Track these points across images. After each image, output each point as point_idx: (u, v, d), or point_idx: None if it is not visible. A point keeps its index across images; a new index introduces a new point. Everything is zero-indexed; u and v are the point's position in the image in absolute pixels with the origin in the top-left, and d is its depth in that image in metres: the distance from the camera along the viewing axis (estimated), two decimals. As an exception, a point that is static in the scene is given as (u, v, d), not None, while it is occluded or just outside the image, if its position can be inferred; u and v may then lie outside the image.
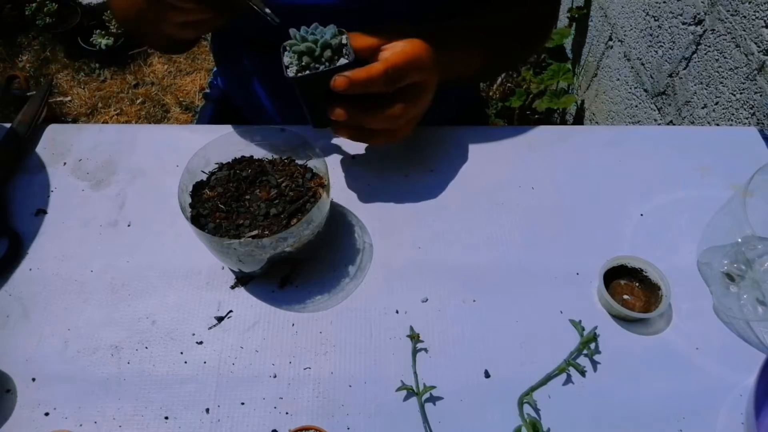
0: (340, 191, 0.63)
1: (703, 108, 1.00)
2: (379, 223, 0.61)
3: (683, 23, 1.04)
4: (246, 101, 0.84)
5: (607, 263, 0.55)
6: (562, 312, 0.55)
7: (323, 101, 0.54)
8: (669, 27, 1.09)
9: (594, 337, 0.52)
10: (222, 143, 0.58)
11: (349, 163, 0.66)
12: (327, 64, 0.53)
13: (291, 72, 0.53)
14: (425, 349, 0.53)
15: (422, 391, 0.50)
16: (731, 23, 0.90)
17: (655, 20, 1.14)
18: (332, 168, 0.63)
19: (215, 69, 0.96)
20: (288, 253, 0.53)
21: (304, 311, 0.55)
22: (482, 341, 0.53)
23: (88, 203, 0.63)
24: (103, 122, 1.91)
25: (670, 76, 1.10)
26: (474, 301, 0.56)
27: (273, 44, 0.72)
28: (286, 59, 0.54)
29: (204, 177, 0.58)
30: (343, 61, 0.53)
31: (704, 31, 0.98)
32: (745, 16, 0.86)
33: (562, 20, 1.69)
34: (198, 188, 0.56)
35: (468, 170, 0.65)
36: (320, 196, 0.53)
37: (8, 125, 0.68)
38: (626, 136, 0.69)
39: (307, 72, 0.53)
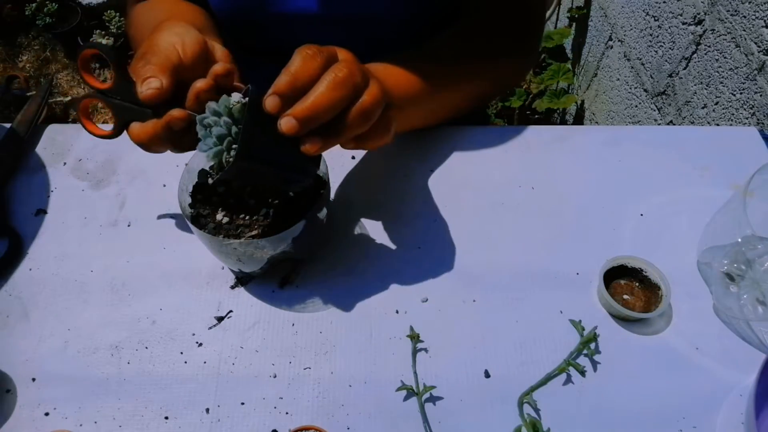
0: (340, 191, 0.63)
1: (703, 108, 1.00)
2: (379, 223, 0.61)
3: (683, 23, 1.04)
4: None
5: (607, 263, 0.55)
6: (562, 312, 0.55)
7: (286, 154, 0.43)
8: (669, 27, 1.09)
9: (594, 337, 0.52)
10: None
11: (349, 163, 0.66)
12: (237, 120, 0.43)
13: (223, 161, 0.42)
14: (425, 349, 0.53)
15: (422, 391, 0.50)
16: (731, 23, 0.90)
17: (655, 20, 1.14)
18: (332, 168, 0.63)
19: None
20: (288, 253, 0.53)
21: (304, 311, 0.55)
22: (482, 341, 0.53)
23: (88, 203, 0.63)
24: (103, 122, 1.91)
25: (670, 76, 1.10)
26: (474, 301, 0.56)
27: (279, 54, 0.72)
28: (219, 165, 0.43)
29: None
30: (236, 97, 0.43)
31: (704, 31, 0.98)
32: (745, 16, 0.86)
33: (562, 20, 1.69)
34: (198, 188, 0.56)
35: (468, 170, 0.65)
36: (320, 196, 0.53)
37: (8, 125, 0.68)
38: (626, 136, 0.69)
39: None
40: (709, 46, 0.97)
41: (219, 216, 0.53)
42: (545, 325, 0.54)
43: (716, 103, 0.96)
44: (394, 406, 0.50)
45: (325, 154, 0.49)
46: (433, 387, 0.50)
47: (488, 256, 0.59)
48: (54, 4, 1.96)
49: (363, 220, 0.61)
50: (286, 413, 0.49)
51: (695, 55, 1.01)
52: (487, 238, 0.60)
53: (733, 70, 0.90)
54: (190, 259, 0.58)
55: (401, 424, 0.49)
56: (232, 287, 0.57)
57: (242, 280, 0.57)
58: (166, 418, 0.49)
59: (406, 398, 0.50)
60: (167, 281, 0.57)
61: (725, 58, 0.92)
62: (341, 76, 0.42)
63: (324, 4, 0.63)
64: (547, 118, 1.70)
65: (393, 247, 0.59)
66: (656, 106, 1.17)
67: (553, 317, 0.55)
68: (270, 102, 0.41)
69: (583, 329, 0.53)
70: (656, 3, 1.13)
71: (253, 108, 0.41)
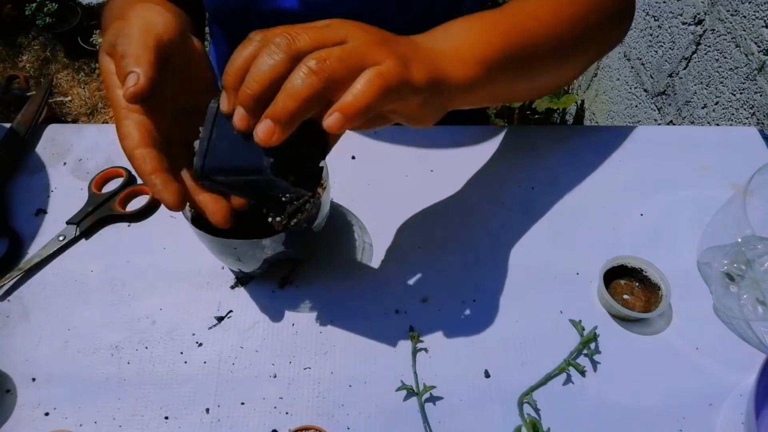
0: (340, 191, 0.63)
1: (703, 108, 1.00)
2: (379, 223, 0.61)
3: (683, 23, 1.04)
4: None
5: (607, 263, 0.55)
6: (562, 312, 0.55)
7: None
8: (669, 27, 1.09)
9: (594, 337, 0.52)
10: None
11: (349, 163, 0.66)
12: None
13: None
14: (425, 349, 0.53)
15: (422, 391, 0.50)
16: (731, 23, 0.90)
17: (655, 20, 1.14)
18: (332, 168, 0.63)
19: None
20: (288, 253, 0.53)
21: (304, 311, 0.55)
22: (482, 341, 0.53)
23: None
24: (103, 122, 1.91)
25: (670, 76, 1.10)
26: (474, 301, 0.56)
27: None
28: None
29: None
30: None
31: (704, 31, 0.98)
32: (745, 16, 0.86)
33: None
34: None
35: (468, 170, 0.65)
36: (320, 197, 0.53)
37: (8, 125, 0.68)
38: (626, 136, 0.69)
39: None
40: (709, 46, 0.97)
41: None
42: (545, 325, 0.54)
43: (716, 103, 0.96)
44: (394, 406, 0.50)
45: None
46: (433, 387, 0.50)
47: (488, 256, 0.59)
48: (54, 4, 1.96)
49: (363, 220, 0.61)
50: (286, 413, 0.50)
51: (695, 55, 1.01)
52: (487, 237, 0.60)
53: (733, 70, 0.90)
54: (190, 259, 0.58)
55: (401, 424, 0.49)
56: (232, 287, 0.57)
57: (242, 280, 0.57)
58: (166, 418, 0.49)
59: (406, 398, 0.50)
60: (167, 281, 0.57)
61: (725, 58, 0.92)
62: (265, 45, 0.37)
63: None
64: (547, 118, 1.70)
65: (393, 247, 0.59)
66: (656, 106, 1.17)
67: (553, 317, 0.55)
68: (222, 102, 0.38)
69: (583, 329, 0.53)
70: (656, 3, 1.13)
71: (214, 119, 0.39)
